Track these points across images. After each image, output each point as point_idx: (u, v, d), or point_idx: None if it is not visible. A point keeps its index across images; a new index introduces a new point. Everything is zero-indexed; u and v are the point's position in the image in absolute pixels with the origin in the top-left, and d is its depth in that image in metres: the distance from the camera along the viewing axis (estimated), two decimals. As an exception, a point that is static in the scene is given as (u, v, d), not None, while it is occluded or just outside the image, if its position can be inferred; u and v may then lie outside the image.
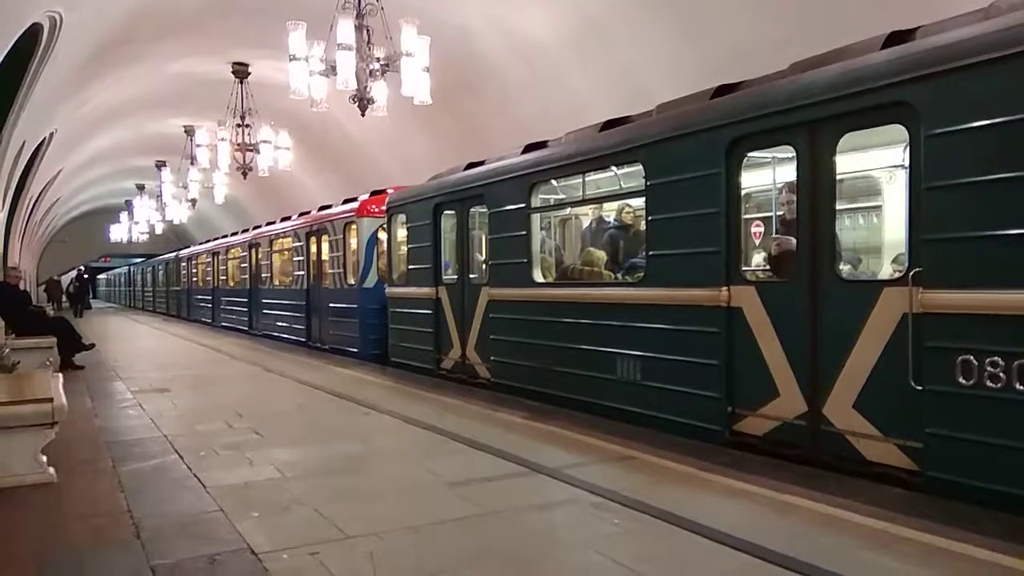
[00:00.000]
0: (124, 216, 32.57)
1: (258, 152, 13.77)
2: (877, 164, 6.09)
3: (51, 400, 4.78)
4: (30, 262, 31.42)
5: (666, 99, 6.56)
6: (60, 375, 6.19)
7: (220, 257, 21.82)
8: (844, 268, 5.45)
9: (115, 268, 49.65)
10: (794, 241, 5.19)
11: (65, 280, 36.64)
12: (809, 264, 4.94)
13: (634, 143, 6.42)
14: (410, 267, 10.33)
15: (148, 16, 10.94)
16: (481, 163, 8.98)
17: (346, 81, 8.06)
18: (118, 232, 35.15)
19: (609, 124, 7.09)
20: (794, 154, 5.08)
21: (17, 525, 4.00)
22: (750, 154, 5.54)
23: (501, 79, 11.79)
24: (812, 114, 4.84)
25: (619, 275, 7.41)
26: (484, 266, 8.97)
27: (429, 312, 9.74)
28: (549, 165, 7.55)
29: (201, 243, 26.71)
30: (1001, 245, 3.88)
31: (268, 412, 7.28)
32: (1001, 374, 3.85)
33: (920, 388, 4.24)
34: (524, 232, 7.83)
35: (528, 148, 8.11)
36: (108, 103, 15.59)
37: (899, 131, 4.48)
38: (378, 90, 8.47)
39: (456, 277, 9.38)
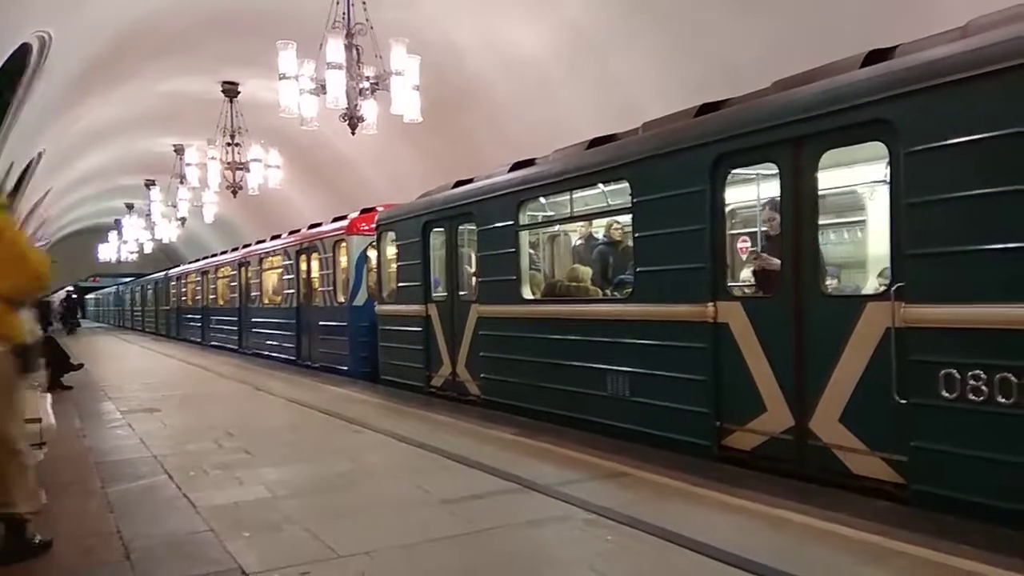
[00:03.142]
0: (113, 235, 32.44)
1: (248, 170, 13.79)
2: (859, 180, 6.18)
3: (39, 420, 4.76)
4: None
5: (656, 114, 6.66)
6: (49, 395, 6.17)
7: (209, 276, 21.91)
8: (829, 283, 5.52)
9: (104, 288, 49.41)
10: (776, 259, 5.27)
11: (54, 300, 36.51)
12: (793, 279, 5.01)
13: (620, 161, 6.50)
14: (399, 284, 10.38)
15: (138, 36, 10.99)
16: (470, 181, 9.04)
17: (336, 100, 8.11)
18: (107, 251, 34.97)
19: (596, 142, 7.15)
20: (777, 171, 5.15)
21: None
22: (734, 171, 5.61)
23: (491, 95, 11.88)
24: (794, 131, 4.92)
25: (608, 291, 7.50)
26: (473, 283, 9.06)
27: (419, 329, 9.75)
28: (537, 183, 7.61)
29: (190, 262, 26.75)
30: (981, 260, 3.94)
31: (258, 431, 7.26)
32: (983, 387, 3.91)
33: (904, 402, 4.29)
34: (513, 249, 7.86)
35: (516, 166, 8.19)
36: (97, 122, 15.59)
37: (879, 148, 4.56)
38: (368, 108, 8.53)
39: (445, 294, 9.41)
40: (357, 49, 8.35)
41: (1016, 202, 3.79)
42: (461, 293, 9.16)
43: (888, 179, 4.52)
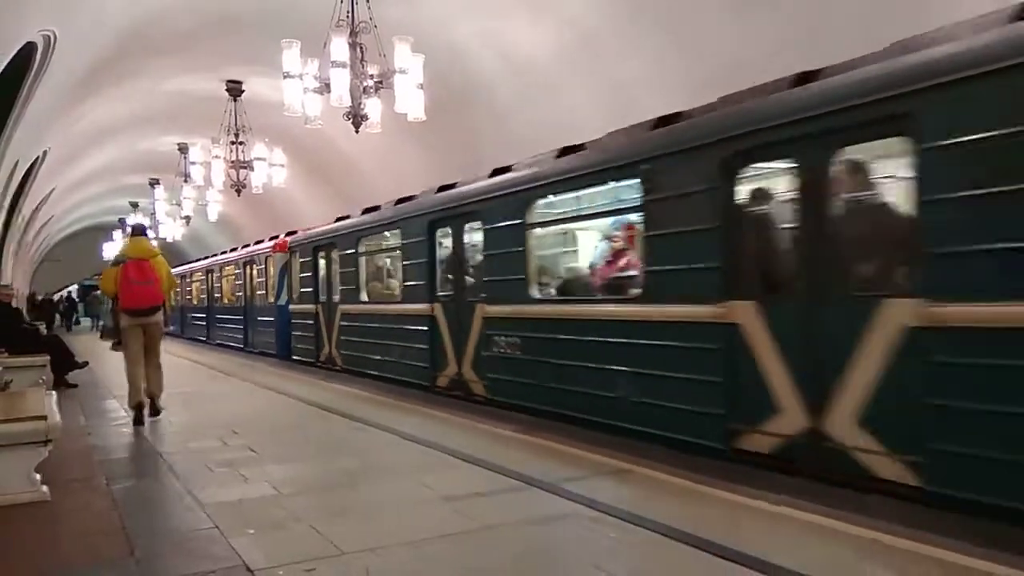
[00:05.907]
0: (117, 234, 32.49)
1: (252, 169, 13.79)
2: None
3: (45, 418, 4.77)
4: (23, 281, 31.30)
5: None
6: (54, 393, 6.17)
7: (186, 280, 25.82)
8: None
9: None
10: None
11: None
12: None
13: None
14: (301, 290, 14.87)
15: (142, 34, 10.99)
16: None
17: (340, 98, 8.08)
18: (111, 250, 35.08)
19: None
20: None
21: (11, 544, 3.97)
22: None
23: (494, 94, 11.87)
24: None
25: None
26: (339, 291, 12.94)
27: (312, 322, 14.05)
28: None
29: (173, 267, 27.59)
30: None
31: (262, 428, 7.27)
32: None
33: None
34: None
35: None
36: (102, 121, 15.61)
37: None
38: (372, 107, 8.51)
39: (325, 299, 13.51)
40: (361, 47, 8.32)
41: None
42: (327, 299, 13.46)
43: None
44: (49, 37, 8.70)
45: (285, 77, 8.49)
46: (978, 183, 3.96)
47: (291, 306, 15.30)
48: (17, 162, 12.75)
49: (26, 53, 8.66)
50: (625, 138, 6.76)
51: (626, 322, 6.45)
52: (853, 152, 4.89)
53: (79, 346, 16.13)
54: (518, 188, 7.95)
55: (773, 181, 5.65)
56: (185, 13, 10.72)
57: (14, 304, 13.06)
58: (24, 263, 29.98)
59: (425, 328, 9.71)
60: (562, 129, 9.82)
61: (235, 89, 14.24)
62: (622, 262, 7.36)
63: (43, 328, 17.59)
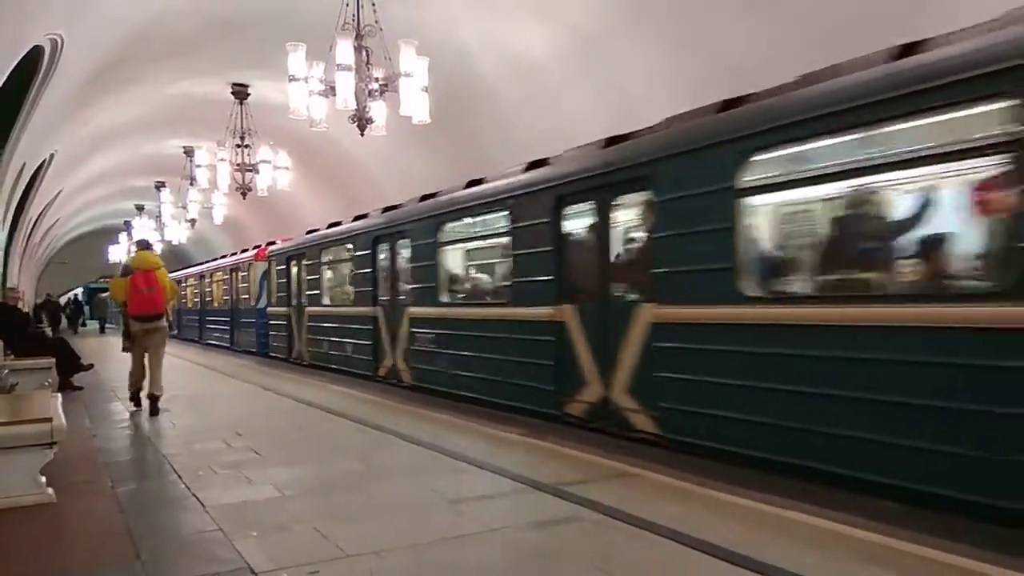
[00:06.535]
0: (123, 237, 32.61)
1: (257, 172, 13.82)
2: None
3: (50, 420, 4.78)
4: (29, 283, 31.44)
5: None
6: (59, 395, 6.20)
7: (182, 284, 27.09)
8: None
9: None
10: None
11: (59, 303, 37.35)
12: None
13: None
14: (278, 295, 16.58)
15: (148, 38, 11.03)
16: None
17: (345, 101, 8.11)
18: (117, 253, 35.19)
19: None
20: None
21: (16, 546, 3.99)
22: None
23: (499, 98, 11.89)
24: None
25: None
26: (305, 295, 14.91)
27: (285, 323, 15.96)
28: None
29: (170, 272, 28.52)
30: None
31: (266, 431, 7.28)
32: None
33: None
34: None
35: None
36: (108, 124, 15.66)
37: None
38: (377, 110, 8.53)
39: (296, 303, 15.44)
40: (366, 50, 8.35)
41: None
42: (297, 303, 15.31)
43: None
44: (56, 41, 8.74)
45: (290, 80, 8.52)
46: (680, 227, 5.83)
47: (269, 309, 17.20)
48: (24, 164, 12.80)
49: (33, 57, 8.70)
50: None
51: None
52: (622, 199, 6.73)
53: (85, 348, 16.17)
54: (431, 214, 9.85)
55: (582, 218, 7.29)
56: (191, 17, 10.76)
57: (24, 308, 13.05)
58: (31, 265, 30.12)
59: (370, 327, 11.66)
60: (565, 132, 9.83)
61: (241, 92, 14.27)
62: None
63: (48, 330, 17.69)
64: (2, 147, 10.33)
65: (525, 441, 6.35)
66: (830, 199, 5.42)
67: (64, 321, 33.51)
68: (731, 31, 8.36)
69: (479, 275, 10.14)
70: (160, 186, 22.62)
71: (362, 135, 8.54)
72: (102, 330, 35.64)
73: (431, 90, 8.34)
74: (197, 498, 4.71)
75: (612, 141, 7.07)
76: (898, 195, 5.05)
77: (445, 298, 9.67)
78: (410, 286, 10.37)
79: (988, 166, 4.25)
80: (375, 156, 15.93)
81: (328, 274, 14.27)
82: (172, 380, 12.00)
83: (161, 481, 5.30)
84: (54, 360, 9.97)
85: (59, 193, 20.97)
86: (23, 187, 14.53)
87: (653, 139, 6.45)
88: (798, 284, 5.56)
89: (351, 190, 18.33)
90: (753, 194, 5.44)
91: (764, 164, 5.39)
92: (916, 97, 4.30)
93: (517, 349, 7.91)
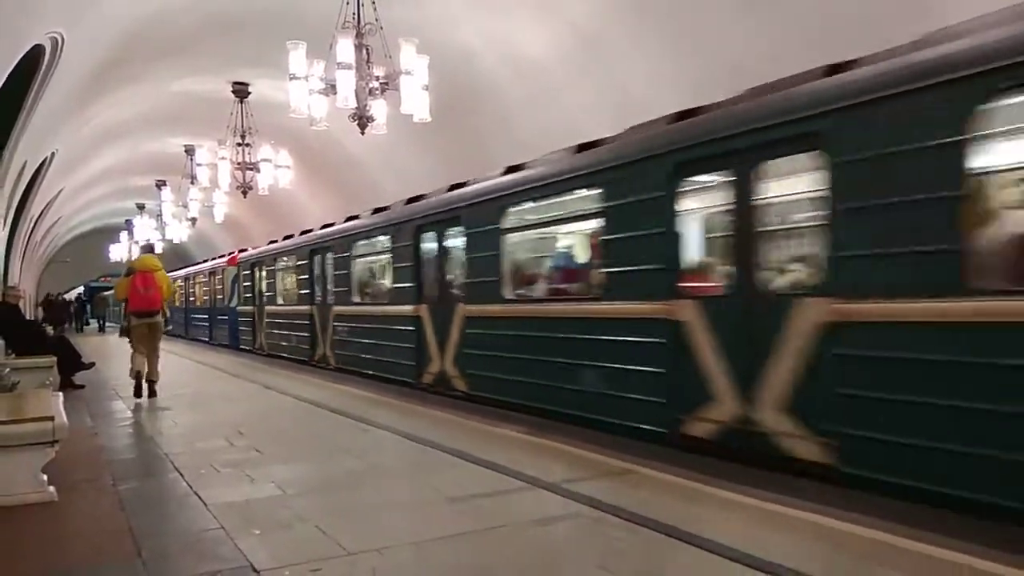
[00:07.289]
0: (124, 235, 32.63)
1: (258, 171, 13.82)
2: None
3: (52, 419, 4.79)
4: (30, 282, 31.46)
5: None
6: (60, 394, 6.20)
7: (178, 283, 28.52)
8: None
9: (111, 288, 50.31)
10: None
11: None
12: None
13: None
14: (244, 296, 19.42)
15: (148, 36, 11.03)
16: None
17: (346, 99, 8.11)
18: (118, 251, 35.20)
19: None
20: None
21: (18, 544, 3.99)
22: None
23: (500, 96, 11.88)
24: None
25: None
26: (264, 297, 17.73)
27: (250, 319, 18.83)
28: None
29: (175, 269, 30.32)
30: None
31: (268, 429, 7.29)
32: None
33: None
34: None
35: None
36: (109, 123, 15.66)
37: None
38: (378, 108, 8.53)
39: (258, 304, 18.13)
40: (367, 49, 8.35)
41: None
42: (259, 303, 18.11)
43: None
44: (57, 39, 8.74)
45: (291, 79, 8.51)
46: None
47: (238, 307, 20.02)
48: (25, 163, 12.80)
49: (34, 55, 8.70)
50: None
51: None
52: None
53: (87, 347, 16.19)
54: (371, 228, 11.80)
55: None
56: (191, 15, 10.76)
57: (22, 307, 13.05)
58: (32, 264, 30.14)
59: (307, 322, 14.59)
60: (567, 130, 9.82)
61: (241, 91, 14.27)
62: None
63: (50, 329, 17.72)
64: (3, 146, 10.33)
65: (524, 439, 6.34)
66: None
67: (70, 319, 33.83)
68: (732, 30, 8.36)
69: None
70: (161, 185, 22.63)
71: (363, 133, 8.54)
72: (101, 329, 35.66)
73: (432, 89, 8.34)
74: (199, 496, 4.72)
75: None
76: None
77: (356, 297, 12.27)
78: (335, 289, 13.45)
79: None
80: (376, 154, 15.92)
81: (282, 278, 16.98)
82: (172, 380, 12.06)
83: (163, 479, 5.30)
84: (55, 359, 9.98)
85: (60, 192, 20.98)
86: (24, 186, 14.54)
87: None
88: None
89: (352, 188, 18.33)
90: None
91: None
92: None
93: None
